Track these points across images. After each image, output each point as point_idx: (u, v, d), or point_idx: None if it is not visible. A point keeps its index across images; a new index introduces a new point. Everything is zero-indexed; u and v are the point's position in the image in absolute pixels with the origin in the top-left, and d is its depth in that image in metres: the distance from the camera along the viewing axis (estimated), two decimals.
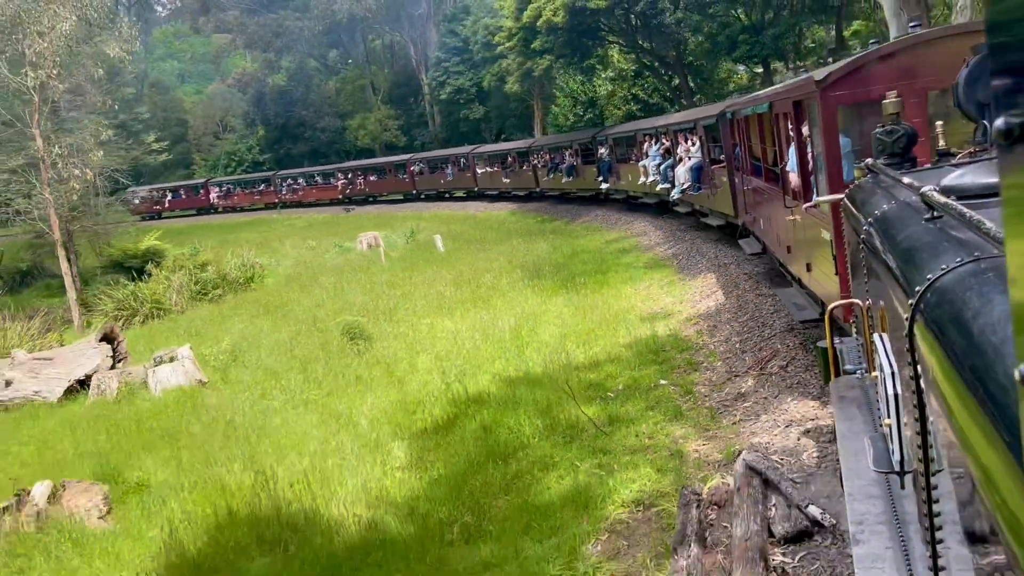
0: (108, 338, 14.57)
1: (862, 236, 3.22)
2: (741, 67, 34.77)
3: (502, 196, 37.78)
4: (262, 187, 53.86)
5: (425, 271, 20.15)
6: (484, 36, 44.87)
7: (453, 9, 52.78)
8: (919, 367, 2.06)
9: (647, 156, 20.83)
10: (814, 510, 5.08)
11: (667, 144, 19.54)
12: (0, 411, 13.27)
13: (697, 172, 16.73)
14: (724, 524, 5.35)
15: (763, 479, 5.40)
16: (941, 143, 4.02)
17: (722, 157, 14.61)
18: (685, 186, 17.33)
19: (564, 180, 29.28)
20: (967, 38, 5.89)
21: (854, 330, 4.67)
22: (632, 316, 12.12)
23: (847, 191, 4.22)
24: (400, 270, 21.57)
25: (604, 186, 25.66)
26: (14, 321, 19.86)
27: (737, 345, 9.62)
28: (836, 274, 6.51)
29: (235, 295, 23.17)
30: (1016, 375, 0.81)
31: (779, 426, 7.00)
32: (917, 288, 1.96)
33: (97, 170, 27.58)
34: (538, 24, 29.65)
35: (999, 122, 0.83)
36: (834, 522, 4.99)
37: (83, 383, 13.46)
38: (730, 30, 29.70)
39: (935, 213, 2.33)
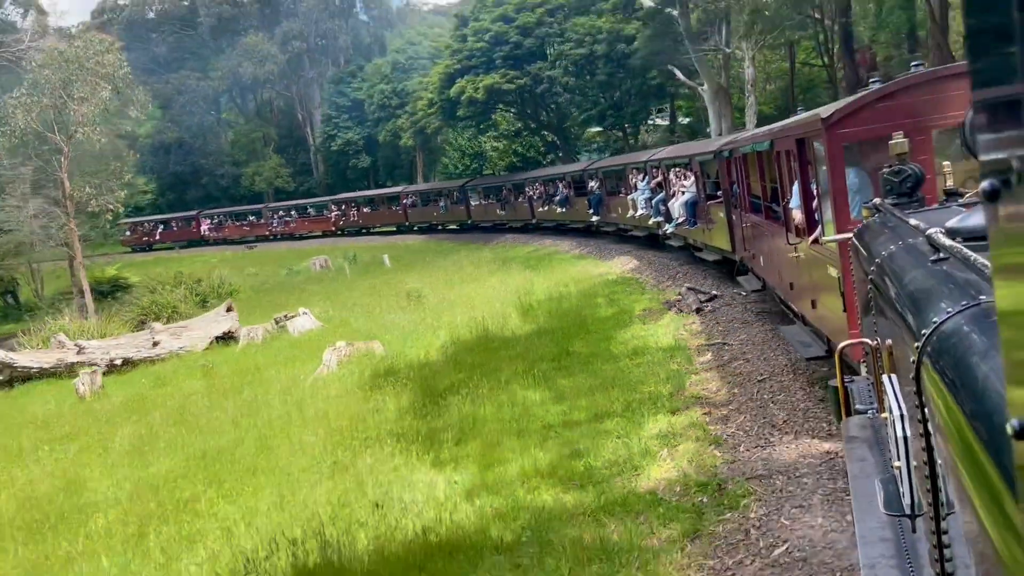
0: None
1: (870, 276, 3.29)
2: (596, 128, 42.67)
3: (431, 229, 42.95)
4: (252, 219, 54.38)
5: (395, 276, 26.45)
6: (380, 99, 53.56)
7: (339, 74, 60.99)
8: (926, 410, 2.07)
9: (636, 190, 20.97)
10: None
11: (658, 178, 19.61)
12: (148, 363, 19.49)
13: (692, 207, 16.78)
14: None
15: None
16: (948, 183, 3.99)
17: (719, 193, 14.69)
18: (679, 220, 17.43)
19: (558, 211, 29.86)
20: None
21: (864, 369, 4.63)
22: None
23: (856, 230, 4.26)
24: (371, 277, 28.62)
25: (595, 219, 25.95)
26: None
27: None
28: (844, 311, 6.48)
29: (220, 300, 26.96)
30: (1008, 429, 0.81)
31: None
32: (923, 331, 1.98)
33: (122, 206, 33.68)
34: (462, 98, 36.48)
35: (984, 184, 0.84)
36: None
37: (218, 339, 20.43)
38: (600, 107, 38.16)
39: (941, 255, 2.34)
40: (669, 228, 18.29)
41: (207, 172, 60.84)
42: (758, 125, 25.51)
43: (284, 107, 64.19)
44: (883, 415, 3.18)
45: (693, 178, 17.03)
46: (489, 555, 5.36)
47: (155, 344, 21.16)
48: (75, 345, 22.53)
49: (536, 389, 9.79)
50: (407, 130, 48.44)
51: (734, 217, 13.43)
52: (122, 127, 31.82)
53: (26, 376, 22.20)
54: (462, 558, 5.35)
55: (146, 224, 58.06)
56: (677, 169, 18.33)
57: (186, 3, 59.54)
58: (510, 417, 8.69)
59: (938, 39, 25.39)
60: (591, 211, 26.09)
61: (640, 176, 21.02)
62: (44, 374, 22.00)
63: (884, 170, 4.09)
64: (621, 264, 20.90)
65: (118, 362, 20.98)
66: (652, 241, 20.70)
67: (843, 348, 4.21)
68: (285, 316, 20.57)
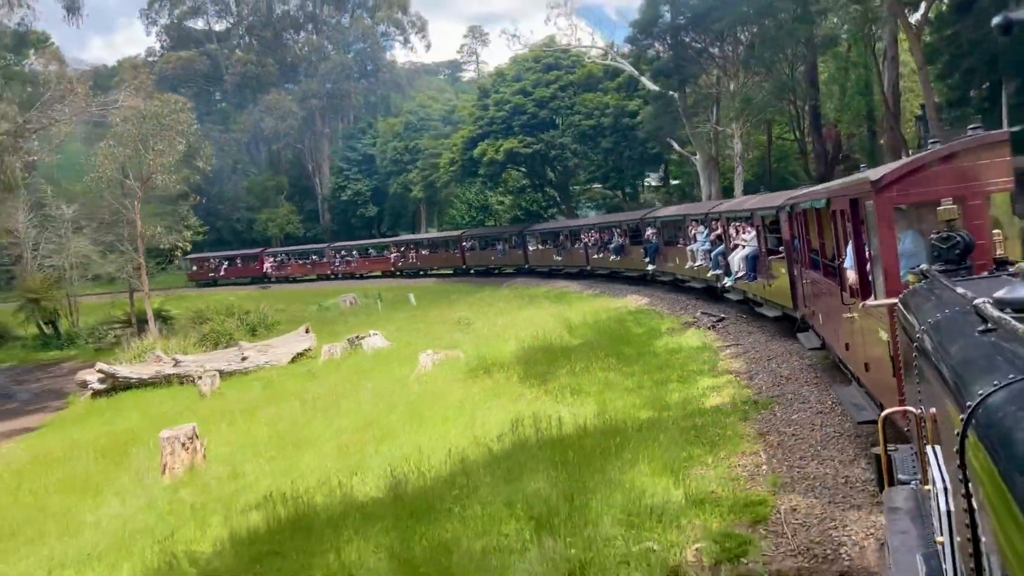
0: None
1: (915, 342, 3.18)
2: (597, 186, 47.85)
3: (428, 274, 46.35)
4: (315, 258, 56.39)
5: (426, 311, 31.36)
6: (392, 154, 58.90)
7: (350, 130, 66.71)
8: (970, 484, 1.96)
9: (695, 240, 20.97)
10: None
11: (718, 231, 19.46)
12: (240, 375, 23.58)
13: (752, 261, 16.54)
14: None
15: None
16: (999, 251, 3.95)
17: (780, 248, 14.44)
18: (739, 274, 17.19)
19: (612, 259, 30.01)
20: None
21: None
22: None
23: (902, 295, 4.19)
24: (403, 312, 33.21)
25: (650, 268, 25.90)
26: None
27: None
28: (894, 376, 6.25)
29: (271, 331, 31.43)
30: None
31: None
32: (968, 403, 1.90)
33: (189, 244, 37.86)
34: (483, 159, 41.89)
35: None
36: None
37: (298, 355, 24.65)
38: (604, 169, 43.50)
39: (988, 326, 2.28)
40: (728, 281, 18.10)
41: (223, 216, 64.27)
42: (744, 191, 30.49)
43: (293, 158, 68.70)
44: (926, 487, 3.03)
45: (754, 232, 16.80)
46: (630, 432, 9.62)
47: (244, 359, 25.05)
48: (172, 359, 26.38)
49: (610, 372, 14.08)
50: (417, 183, 53.41)
51: (795, 273, 13.10)
52: (190, 176, 35.89)
53: (126, 385, 25.93)
54: (617, 436, 9.57)
55: (212, 260, 60.13)
56: (738, 223, 18.19)
57: (209, 61, 64.14)
58: (602, 382, 12.99)
59: (891, 122, 30.49)
60: (647, 260, 26.05)
61: (700, 227, 20.94)
62: (143, 384, 25.73)
63: (932, 236, 4.03)
64: (635, 300, 25.21)
65: (211, 374, 24.86)
66: (710, 293, 20.57)
67: (887, 415, 4.07)
68: (358, 337, 24.68)
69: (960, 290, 2.92)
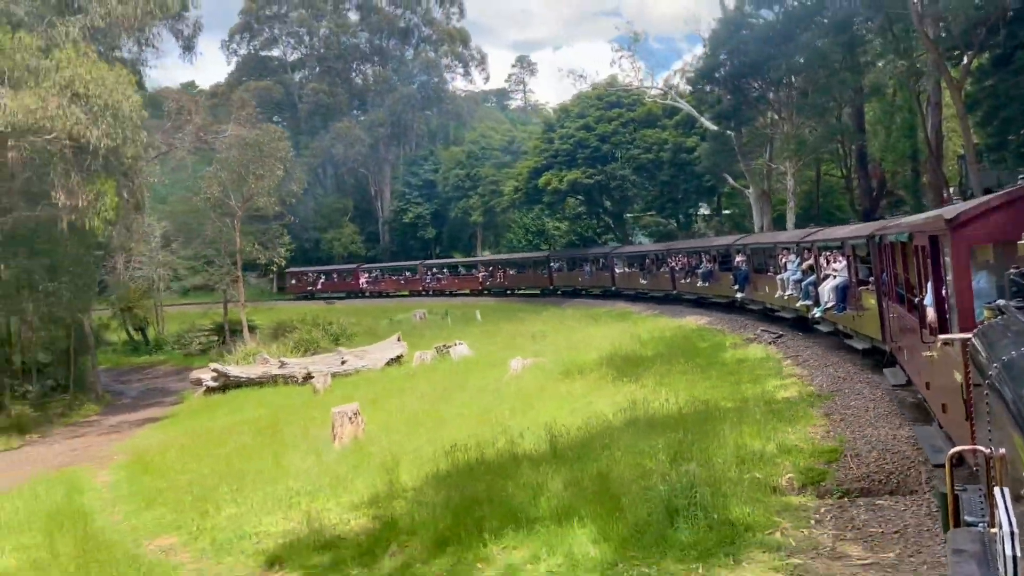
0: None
1: (987, 380, 3.11)
2: (651, 214, 50.35)
3: (515, 293, 48.13)
4: (407, 275, 58.59)
5: (493, 326, 35.41)
6: (455, 181, 62.78)
7: (412, 156, 71.47)
8: None
9: (785, 269, 20.63)
10: None
11: (810, 260, 19.05)
12: (341, 376, 26.36)
13: (843, 291, 16.24)
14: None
15: None
16: None
17: (870, 279, 14.32)
18: (829, 305, 16.95)
19: (699, 285, 29.64)
20: None
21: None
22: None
23: (976, 331, 4.10)
24: (472, 327, 36.90)
25: (739, 295, 25.55)
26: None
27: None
28: (967, 419, 6.02)
29: (351, 341, 35.05)
30: None
31: None
32: None
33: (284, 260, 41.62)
34: (547, 188, 45.49)
35: None
36: None
37: (391, 361, 27.77)
38: (661, 200, 46.89)
39: None
40: (817, 312, 17.83)
41: (294, 235, 68.26)
42: (795, 224, 33.11)
43: (355, 182, 72.57)
44: (993, 530, 2.93)
45: (844, 261, 16.55)
46: (723, 413, 12.31)
47: (343, 362, 28.11)
48: (278, 361, 29.57)
49: (688, 375, 16.75)
50: (477, 208, 56.68)
51: (883, 305, 12.88)
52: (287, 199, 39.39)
53: (236, 384, 29.11)
54: (715, 414, 12.23)
55: (309, 274, 62.86)
56: (828, 252, 17.92)
57: (284, 89, 68.40)
58: (685, 383, 15.70)
59: (934, 164, 32.86)
60: (735, 287, 25.68)
61: (791, 256, 20.62)
62: (251, 383, 28.89)
63: (1011, 271, 3.96)
64: (694, 320, 27.73)
65: (324, 373, 27.71)
66: (801, 324, 20.11)
67: (955, 454, 3.92)
68: (444, 345, 27.63)
69: None
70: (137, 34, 28.90)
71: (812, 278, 18.60)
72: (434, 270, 56.92)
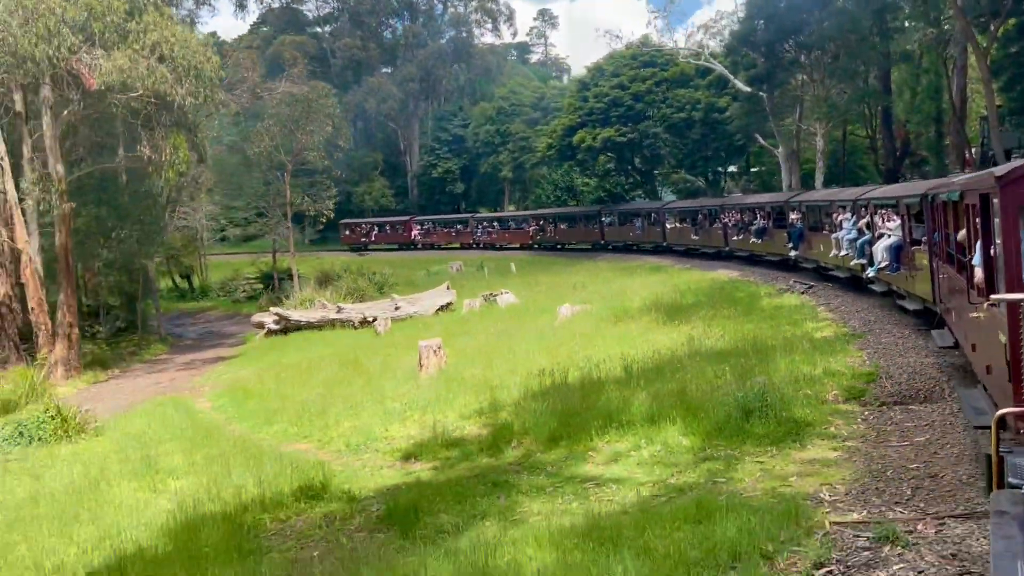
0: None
1: None
2: (681, 172, 51.07)
3: (566, 248, 48.11)
4: (459, 227, 59.31)
5: (529, 277, 37.48)
6: (485, 137, 64.28)
7: (441, 111, 72.87)
8: None
9: (841, 228, 20.38)
10: None
11: (866, 219, 18.84)
12: (396, 321, 27.98)
13: (896, 251, 16.16)
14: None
15: None
16: None
17: (923, 238, 14.08)
18: (882, 264, 16.91)
19: (753, 241, 29.41)
20: None
21: None
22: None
23: None
24: (509, 277, 38.74)
25: (793, 253, 25.29)
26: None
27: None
28: (1010, 381, 6.08)
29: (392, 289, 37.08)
30: None
31: None
32: None
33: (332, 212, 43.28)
34: (581, 145, 47.20)
35: None
36: None
37: (441, 308, 29.69)
38: (692, 158, 47.45)
39: None
40: (871, 272, 17.75)
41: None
42: (824, 184, 34.73)
43: (384, 137, 74.11)
44: None
45: (899, 220, 16.45)
46: (770, 347, 14.24)
47: (396, 308, 30.13)
48: (336, 306, 31.69)
49: (731, 320, 18.68)
50: (507, 164, 58.19)
51: (935, 266, 12.73)
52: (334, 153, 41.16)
53: (296, 327, 31.26)
54: (765, 348, 14.17)
55: (363, 226, 64.07)
56: (883, 211, 17.74)
57: (318, 44, 69.66)
58: (730, 326, 17.64)
59: (957, 125, 34.32)
60: (789, 245, 25.42)
61: (847, 214, 20.31)
62: (311, 327, 31.03)
63: None
64: (725, 273, 29.38)
65: (371, 319, 29.96)
66: (855, 283, 20.02)
67: (1001, 416, 3.84)
68: (491, 294, 29.59)
69: None
70: None
71: (868, 237, 18.41)
72: (484, 224, 57.50)
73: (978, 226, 7.92)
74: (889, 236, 16.65)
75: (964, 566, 5.18)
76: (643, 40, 44.43)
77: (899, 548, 5.69)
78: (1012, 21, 29.57)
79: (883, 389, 10.78)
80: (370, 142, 72.51)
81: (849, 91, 33.69)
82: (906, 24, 31.45)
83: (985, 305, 7.39)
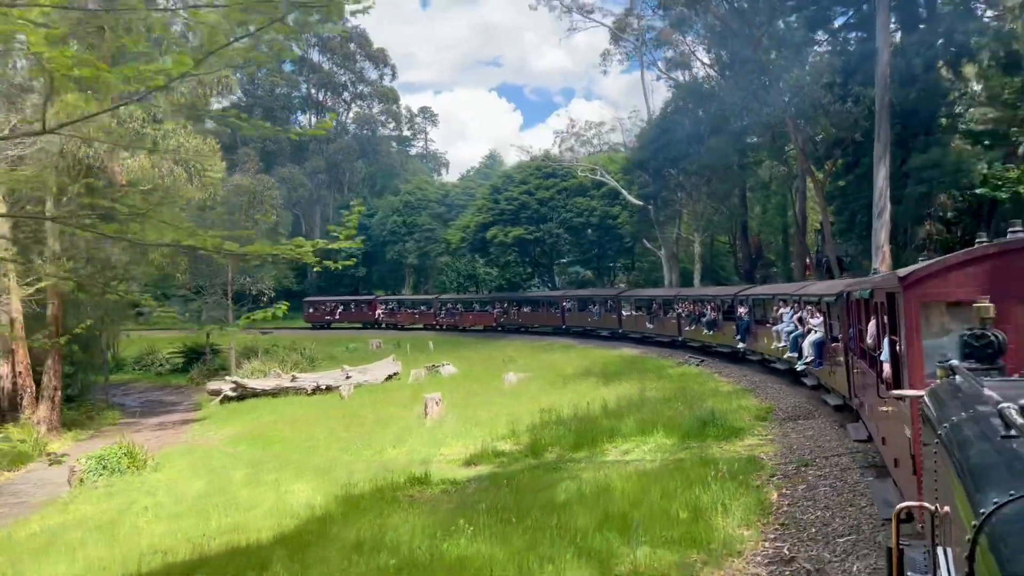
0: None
1: (936, 440, 3.17)
2: (576, 268, 58.58)
3: (529, 331, 50.24)
4: (423, 308, 60.04)
5: (444, 355, 39.51)
6: (391, 227, 70.12)
7: (345, 201, 77.17)
8: None
9: (781, 321, 21.12)
10: None
11: (799, 313, 19.61)
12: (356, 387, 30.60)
13: (819, 347, 16.95)
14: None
15: None
16: None
17: (840, 336, 14.54)
18: (808, 359, 17.66)
19: (704, 333, 30.22)
20: None
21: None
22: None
23: (928, 390, 4.13)
24: (429, 354, 41.44)
25: (741, 346, 26.10)
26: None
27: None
28: (914, 474, 6.17)
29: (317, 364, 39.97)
30: None
31: None
32: (982, 510, 1.92)
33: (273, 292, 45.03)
34: (495, 240, 54.06)
35: None
36: None
37: (389, 377, 33.41)
38: (588, 255, 54.68)
39: (1012, 432, 2.27)
40: (799, 366, 18.56)
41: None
42: (700, 281, 42.44)
43: (287, 223, 77.83)
44: None
45: (822, 317, 17.06)
46: (693, 396, 20.19)
47: (348, 377, 34.30)
48: (290, 375, 35.52)
49: (653, 382, 24.60)
50: (412, 252, 63.78)
51: (850, 361, 13.11)
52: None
53: (252, 395, 34.80)
54: (692, 395, 20.09)
55: (327, 304, 65.04)
56: (809, 307, 18.46)
57: (231, 133, 73.46)
58: (657, 383, 23.54)
59: (799, 238, 43.06)
60: (738, 337, 26.24)
61: (786, 308, 21.08)
62: (266, 394, 34.62)
63: (965, 332, 4.05)
64: (629, 351, 35.54)
65: (323, 387, 33.90)
66: (794, 376, 20.34)
67: (901, 510, 3.87)
68: (433, 365, 34.44)
69: (987, 391, 2.90)
70: None
71: (799, 331, 19.19)
72: (448, 305, 58.30)
73: (886, 323, 8.27)
74: (815, 332, 17.54)
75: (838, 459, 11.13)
76: (545, 155, 52.07)
77: (810, 468, 11.55)
78: (840, 161, 38.64)
79: (780, 414, 16.90)
80: (273, 227, 76.18)
81: (718, 208, 41.96)
82: (762, 160, 40.29)
83: (892, 399, 7.64)
